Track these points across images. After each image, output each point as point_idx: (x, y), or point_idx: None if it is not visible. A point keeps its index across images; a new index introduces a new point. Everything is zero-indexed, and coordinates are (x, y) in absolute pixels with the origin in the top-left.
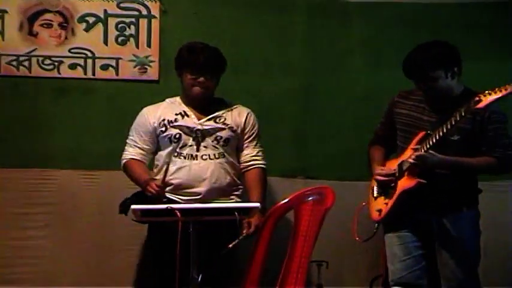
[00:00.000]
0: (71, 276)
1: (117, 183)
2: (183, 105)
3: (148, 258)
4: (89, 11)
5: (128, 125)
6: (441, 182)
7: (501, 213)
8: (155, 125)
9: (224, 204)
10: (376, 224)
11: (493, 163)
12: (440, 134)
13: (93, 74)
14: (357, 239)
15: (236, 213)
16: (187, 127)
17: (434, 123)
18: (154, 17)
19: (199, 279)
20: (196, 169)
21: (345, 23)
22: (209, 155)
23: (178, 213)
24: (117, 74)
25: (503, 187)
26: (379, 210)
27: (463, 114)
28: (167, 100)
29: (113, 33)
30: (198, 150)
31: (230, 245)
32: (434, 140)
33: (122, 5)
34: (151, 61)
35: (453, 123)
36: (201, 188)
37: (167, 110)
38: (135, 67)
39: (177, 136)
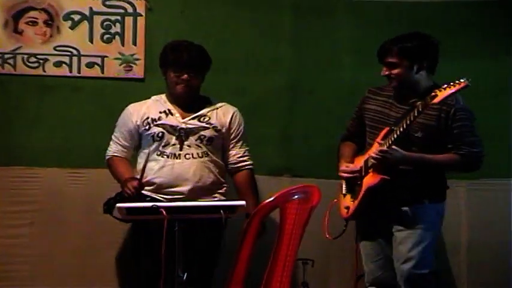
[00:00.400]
0: (57, 274)
1: (104, 181)
2: (168, 103)
3: (134, 257)
4: (74, 9)
5: (113, 123)
6: (404, 178)
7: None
8: (138, 123)
9: (210, 202)
10: (345, 222)
11: (458, 160)
12: (401, 129)
13: (79, 72)
14: (327, 236)
15: (221, 211)
16: (171, 126)
17: (400, 118)
18: (140, 15)
19: (185, 277)
20: (179, 168)
21: (333, 21)
22: (192, 154)
23: (163, 212)
24: (102, 72)
25: (492, 185)
26: (347, 208)
27: (420, 109)
28: (153, 98)
29: (98, 31)
30: (181, 149)
31: None
32: (395, 136)
33: (107, 2)
34: (137, 59)
35: (412, 119)
36: (184, 187)
37: (152, 108)
38: (120, 65)
39: (160, 135)
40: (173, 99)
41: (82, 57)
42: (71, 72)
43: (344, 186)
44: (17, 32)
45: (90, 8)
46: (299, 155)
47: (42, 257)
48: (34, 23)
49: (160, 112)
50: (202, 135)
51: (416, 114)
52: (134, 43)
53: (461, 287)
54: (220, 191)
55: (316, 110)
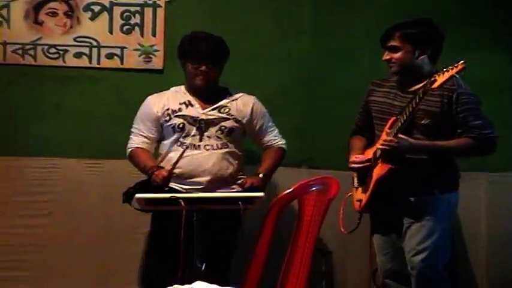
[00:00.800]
0: (75, 264)
1: (122, 172)
2: (187, 94)
3: (152, 248)
4: (94, 0)
5: (133, 114)
6: (414, 167)
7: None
8: (159, 114)
9: (228, 193)
10: (359, 215)
11: (470, 144)
12: (405, 117)
13: (98, 63)
14: (343, 229)
15: (240, 203)
16: (191, 117)
17: (404, 107)
18: (160, 6)
19: (203, 268)
20: (199, 159)
21: (352, 13)
22: (212, 145)
23: (182, 202)
24: (122, 63)
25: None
26: (359, 201)
27: (421, 95)
28: (172, 89)
29: (118, 22)
30: (201, 140)
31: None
32: (400, 124)
33: None
34: (156, 50)
35: (414, 105)
36: (203, 178)
37: (171, 99)
38: (140, 56)
39: (181, 126)
40: (192, 90)
41: (102, 48)
42: (90, 63)
43: (356, 179)
44: (37, 23)
45: None
46: (317, 147)
47: (60, 247)
48: (54, 14)
49: (180, 103)
50: (223, 126)
51: (417, 100)
52: (154, 34)
53: (480, 279)
54: (238, 182)
55: (335, 102)
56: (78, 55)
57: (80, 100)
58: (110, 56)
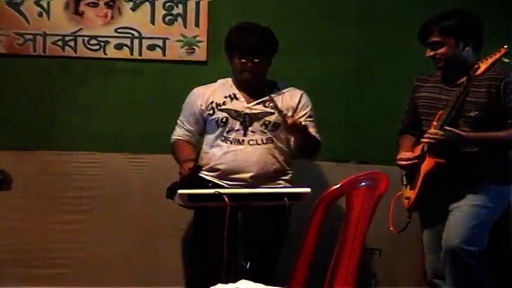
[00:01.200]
0: (116, 261)
1: (164, 167)
2: (234, 87)
3: (195, 245)
4: None
5: (176, 107)
6: (464, 160)
7: None
8: (202, 107)
9: (273, 189)
10: (409, 213)
11: None
12: (450, 109)
13: (140, 55)
14: (391, 229)
15: (285, 199)
16: (235, 111)
17: (451, 100)
18: None
19: (247, 266)
20: (243, 154)
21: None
22: (256, 140)
23: (226, 198)
24: (164, 54)
25: None
26: (408, 198)
27: (465, 84)
28: (219, 81)
29: (160, 12)
30: (245, 135)
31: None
32: (445, 117)
33: None
34: (199, 41)
35: (459, 95)
36: (247, 174)
37: (217, 92)
38: (182, 47)
39: (224, 120)
40: (239, 83)
41: (143, 40)
42: (132, 54)
43: (404, 177)
44: (77, 13)
45: None
46: (366, 140)
47: (101, 244)
48: (95, 5)
49: (225, 97)
50: (267, 120)
51: (462, 90)
52: (197, 25)
53: None
54: (285, 177)
55: (384, 94)
56: (119, 46)
57: (122, 93)
58: (151, 48)
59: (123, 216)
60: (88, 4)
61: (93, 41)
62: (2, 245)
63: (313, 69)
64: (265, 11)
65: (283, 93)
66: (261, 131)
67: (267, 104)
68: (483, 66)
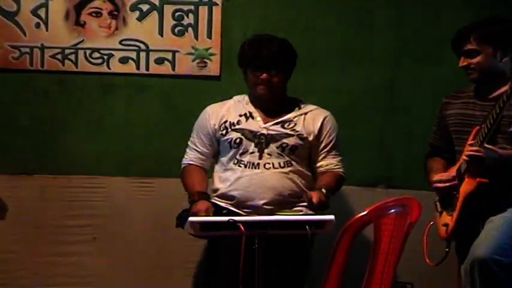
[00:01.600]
0: None
1: (174, 193)
2: (250, 105)
3: (209, 278)
4: None
5: (185, 127)
6: (508, 179)
7: None
8: (216, 126)
9: (294, 216)
10: (447, 243)
11: None
12: (489, 125)
13: (147, 69)
14: (428, 261)
15: (307, 227)
16: (250, 131)
17: (487, 116)
18: (216, 4)
19: None
20: (258, 179)
21: (436, 9)
22: (273, 164)
23: (241, 227)
24: (173, 68)
25: None
26: (446, 225)
27: (505, 99)
28: (234, 98)
29: (169, 22)
30: (260, 157)
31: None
32: (484, 133)
33: None
34: (212, 54)
35: (498, 111)
36: (263, 201)
37: (232, 110)
38: (193, 61)
39: (238, 141)
40: (256, 101)
41: (151, 53)
42: (138, 69)
43: (438, 203)
44: (79, 24)
45: None
46: (396, 163)
47: (105, 277)
48: (98, 14)
49: (240, 115)
50: (285, 143)
51: (501, 105)
52: (209, 36)
53: None
54: (305, 203)
55: (417, 111)
56: (124, 60)
57: (127, 111)
58: (160, 61)
59: (129, 248)
60: (90, 14)
61: (96, 54)
62: None
63: (340, 84)
64: (286, 20)
65: (305, 113)
66: (277, 153)
67: (286, 125)
68: None
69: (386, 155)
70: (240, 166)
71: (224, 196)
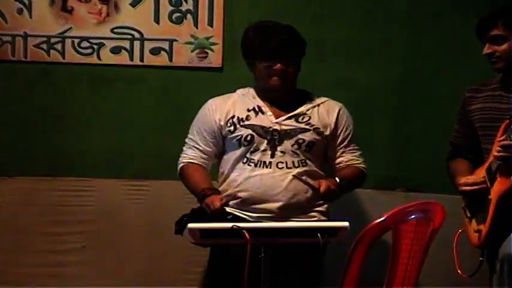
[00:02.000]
0: None
1: (171, 196)
2: (257, 98)
3: None
4: None
5: (184, 123)
6: None
7: None
8: (221, 122)
9: (304, 223)
10: (481, 251)
11: None
12: None
13: (141, 60)
14: (459, 272)
15: (319, 235)
16: (262, 127)
17: None
18: None
19: None
20: (270, 180)
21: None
22: (286, 163)
23: (246, 234)
24: (170, 59)
25: None
26: (478, 231)
27: None
28: (238, 91)
29: (166, 8)
30: (273, 156)
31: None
32: None
33: None
34: (214, 43)
35: None
36: (274, 204)
37: (238, 105)
38: (193, 51)
39: (249, 138)
40: (264, 94)
41: (146, 42)
42: (131, 60)
43: (466, 208)
44: (65, 10)
45: None
46: (416, 164)
47: None
48: (87, 0)
49: (248, 110)
50: (301, 139)
51: None
52: (210, 24)
53: None
54: (319, 208)
55: (437, 108)
56: (116, 50)
57: (119, 106)
58: (155, 51)
59: (121, 257)
60: None
61: (85, 44)
62: None
63: (352, 78)
64: (293, 8)
65: (318, 105)
66: (292, 151)
67: (300, 119)
68: None
69: (404, 155)
70: (250, 165)
71: (230, 197)
